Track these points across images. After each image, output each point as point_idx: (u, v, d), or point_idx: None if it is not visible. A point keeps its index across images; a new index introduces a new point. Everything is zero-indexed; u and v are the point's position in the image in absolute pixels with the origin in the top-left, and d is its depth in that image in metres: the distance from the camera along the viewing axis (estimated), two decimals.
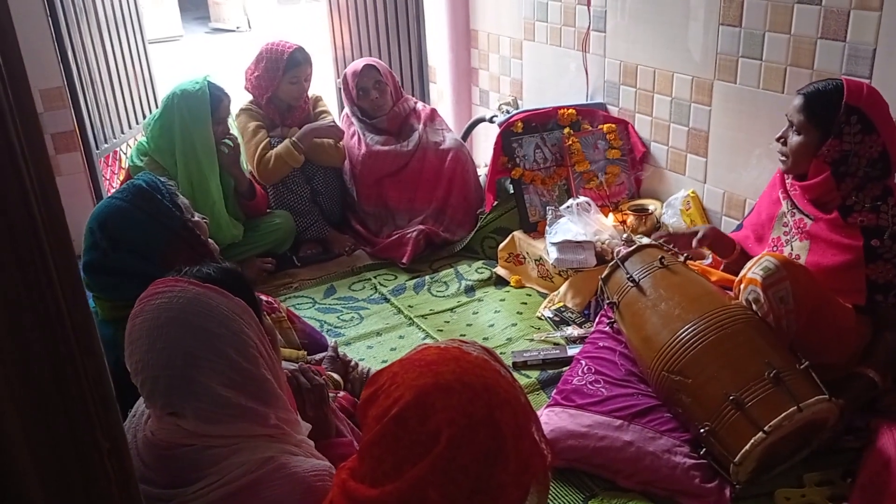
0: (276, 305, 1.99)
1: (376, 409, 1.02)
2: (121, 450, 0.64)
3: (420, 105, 3.50)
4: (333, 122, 3.38)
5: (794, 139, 1.98)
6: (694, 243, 2.21)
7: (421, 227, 3.22)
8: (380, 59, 4.07)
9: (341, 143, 3.35)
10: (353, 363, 2.00)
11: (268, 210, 3.20)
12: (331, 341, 1.98)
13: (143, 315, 1.27)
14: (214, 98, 2.85)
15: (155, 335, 1.24)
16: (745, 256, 2.20)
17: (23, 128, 0.51)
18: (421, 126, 3.39)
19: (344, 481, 1.05)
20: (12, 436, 0.58)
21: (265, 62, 3.20)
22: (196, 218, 1.90)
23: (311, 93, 3.40)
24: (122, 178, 3.47)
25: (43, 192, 0.54)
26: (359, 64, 3.35)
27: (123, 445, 0.65)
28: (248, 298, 1.34)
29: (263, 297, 1.79)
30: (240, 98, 3.35)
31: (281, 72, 3.18)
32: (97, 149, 3.42)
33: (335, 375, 1.85)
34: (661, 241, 2.25)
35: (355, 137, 3.35)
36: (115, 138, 3.60)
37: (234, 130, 3.04)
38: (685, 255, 2.19)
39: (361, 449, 1.05)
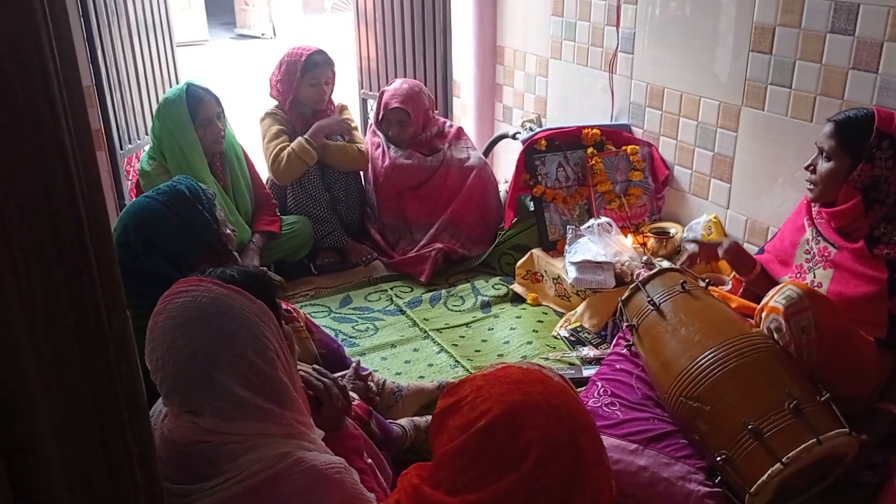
0: (294, 314, 1.99)
1: (459, 420, 1.03)
2: (150, 456, 0.64)
3: (447, 125, 3.50)
4: (346, 122, 3.38)
5: (824, 166, 1.97)
6: (720, 252, 2.21)
7: (439, 245, 3.21)
8: (404, 72, 4.08)
9: (364, 146, 3.36)
10: (373, 386, 1.98)
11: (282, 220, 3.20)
12: (353, 360, 1.96)
13: (166, 313, 1.27)
14: (194, 100, 2.84)
15: (177, 333, 1.25)
16: (766, 277, 2.19)
17: (75, 132, 0.52)
18: (446, 145, 3.39)
19: (416, 486, 1.06)
20: (44, 437, 0.58)
21: (285, 66, 3.22)
22: (227, 230, 1.90)
23: (337, 101, 3.41)
24: (133, 181, 3.49)
25: (90, 196, 0.54)
26: (392, 100, 3.29)
27: (152, 451, 0.65)
28: (269, 302, 1.35)
29: (283, 305, 1.79)
30: (262, 105, 3.37)
31: (299, 74, 3.19)
32: (121, 149, 3.45)
33: (355, 395, 1.85)
34: (689, 244, 2.31)
35: (379, 149, 3.36)
36: (139, 139, 3.63)
37: (230, 139, 3.01)
38: (706, 280, 2.18)
39: (440, 457, 1.05)
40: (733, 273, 2.31)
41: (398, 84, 3.37)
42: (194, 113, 2.82)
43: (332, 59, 3.28)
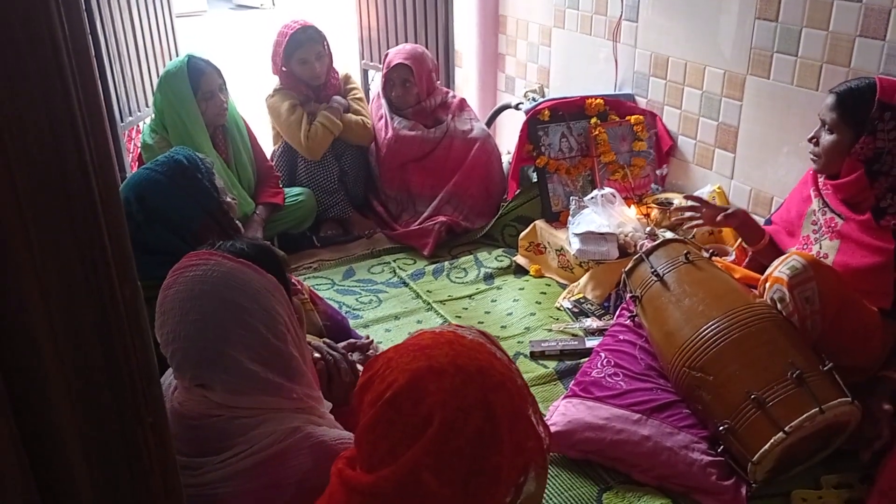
0: (299, 287, 2.00)
1: (371, 395, 1.02)
2: (162, 424, 0.65)
3: (451, 96, 3.47)
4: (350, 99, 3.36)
5: (827, 138, 1.96)
6: (720, 217, 2.19)
7: (442, 218, 3.20)
8: (405, 42, 4.04)
9: (370, 122, 3.35)
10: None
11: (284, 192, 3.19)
12: (358, 333, 1.96)
13: (177, 286, 1.27)
14: (195, 72, 2.80)
15: (188, 307, 1.25)
16: (774, 247, 2.19)
17: (85, 101, 0.51)
18: (449, 116, 3.37)
19: (340, 470, 1.05)
20: (59, 407, 0.58)
21: (274, 47, 3.20)
22: (228, 199, 1.90)
23: (342, 72, 3.39)
24: (134, 155, 3.48)
25: (101, 166, 0.54)
26: (395, 57, 3.28)
27: (164, 420, 0.66)
28: (279, 276, 1.35)
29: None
30: (261, 76, 3.33)
31: (287, 55, 3.17)
32: (121, 122, 3.43)
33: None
34: (688, 201, 2.27)
35: (382, 121, 3.34)
36: (139, 112, 3.61)
37: (232, 111, 2.99)
38: (710, 251, 2.18)
39: (357, 435, 1.04)
40: (737, 243, 2.31)
41: (401, 46, 3.40)
42: (196, 85, 2.80)
43: (321, 34, 3.20)
